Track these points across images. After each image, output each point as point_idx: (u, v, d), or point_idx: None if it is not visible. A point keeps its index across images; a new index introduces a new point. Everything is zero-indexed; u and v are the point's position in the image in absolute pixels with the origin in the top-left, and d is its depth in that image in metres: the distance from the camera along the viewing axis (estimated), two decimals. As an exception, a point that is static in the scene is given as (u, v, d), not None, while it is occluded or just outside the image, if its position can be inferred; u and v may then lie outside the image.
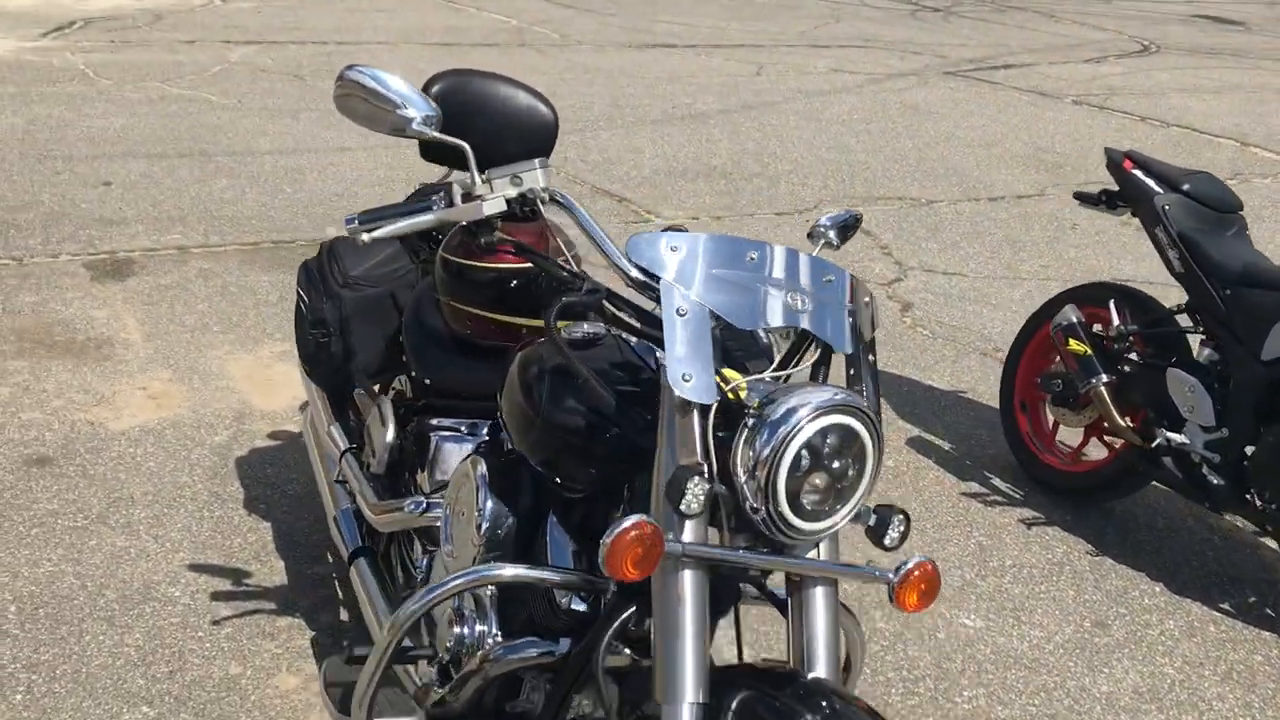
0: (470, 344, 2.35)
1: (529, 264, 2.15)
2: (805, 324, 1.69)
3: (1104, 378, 3.19)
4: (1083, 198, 3.55)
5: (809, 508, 1.56)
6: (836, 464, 1.58)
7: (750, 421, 1.56)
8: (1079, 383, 3.24)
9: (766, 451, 1.53)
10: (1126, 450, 3.25)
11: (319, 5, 11.34)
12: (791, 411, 1.54)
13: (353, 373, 2.66)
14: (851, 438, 1.58)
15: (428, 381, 2.42)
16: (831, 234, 2.05)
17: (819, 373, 1.73)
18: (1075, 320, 3.30)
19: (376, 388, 2.68)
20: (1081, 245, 6.14)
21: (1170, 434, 3.03)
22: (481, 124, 2.69)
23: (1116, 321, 3.28)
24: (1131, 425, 3.20)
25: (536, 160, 1.93)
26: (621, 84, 9.07)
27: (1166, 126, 8.98)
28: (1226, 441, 2.95)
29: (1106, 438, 3.43)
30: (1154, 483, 3.35)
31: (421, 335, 2.45)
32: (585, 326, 1.89)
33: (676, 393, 1.58)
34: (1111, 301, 3.31)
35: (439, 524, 2.15)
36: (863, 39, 11.86)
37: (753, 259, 1.70)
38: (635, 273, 1.71)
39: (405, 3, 11.80)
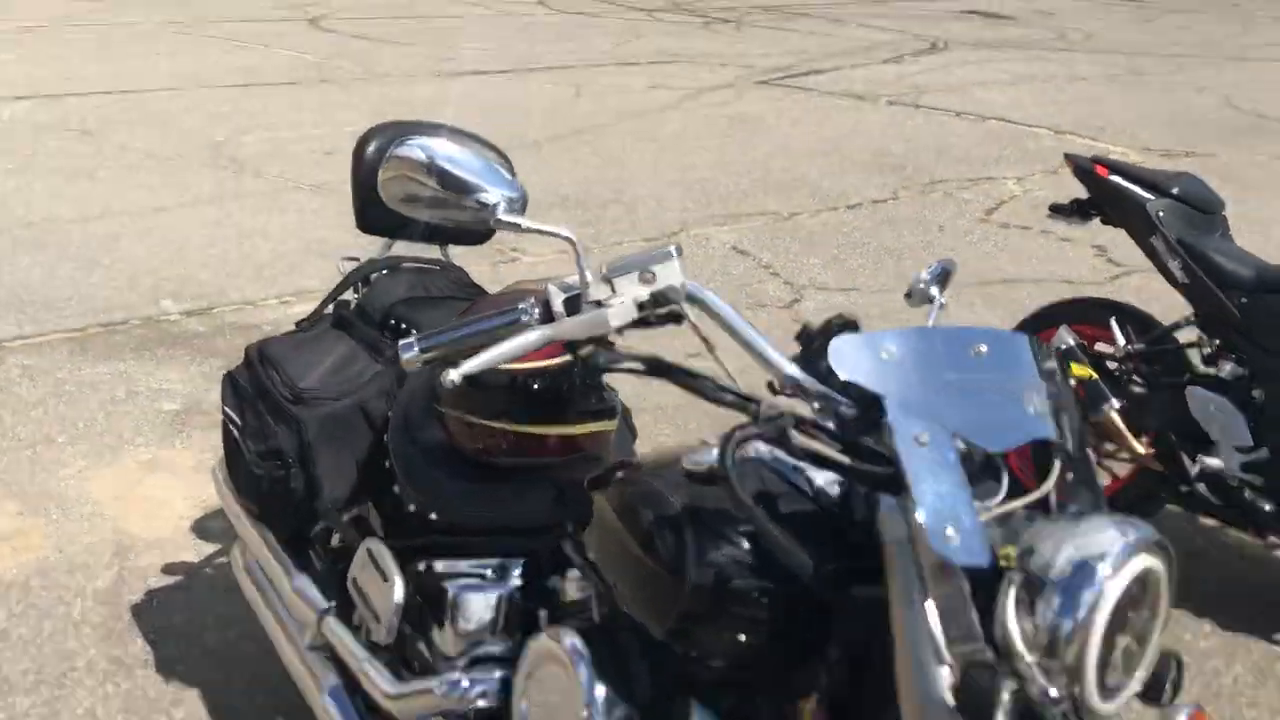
0: (487, 466, 1.88)
1: (555, 360, 1.72)
2: (1049, 431, 1.33)
3: (1115, 403, 2.95)
4: (1056, 209, 3.33)
5: (1111, 684, 1.21)
6: (1138, 620, 1.23)
7: (1019, 579, 1.20)
8: (1088, 409, 3.00)
9: (1069, 623, 1.17)
10: (1141, 475, 3.04)
11: (86, 51, 10.27)
12: (1087, 566, 1.19)
13: (320, 510, 2.12)
14: (1153, 582, 1.24)
15: (433, 516, 1.93)
16: (935, 290, 1.74)
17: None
18: (1074, 343, 3.06)
19: (347, 517, 2.16)
20: (956, 248, 6.04)
21: (1205, 458, 2.83)
22: None
23: (1121, 340, 3.07)
24: (1150, 450, 2.99)
25: (671, 247, 1.47)
26: (442, 115, 8.49)
27: (983, 120, 9.13)
28: (1269, 462, 2.76)
29: (1106, 462, 3.22)
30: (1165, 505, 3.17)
31: (421, 459, 1.96)
32: (713, 455, 1.47)
33: (938, 552, 1.18)
34: (1113, 319, 3.10)
35: (482, 704, 1.69)
36: (667, 54, 11.68)
37: (980, 353, 1.32)
38: (812, 386, 1.32)
39: (182, 44, 10.85)
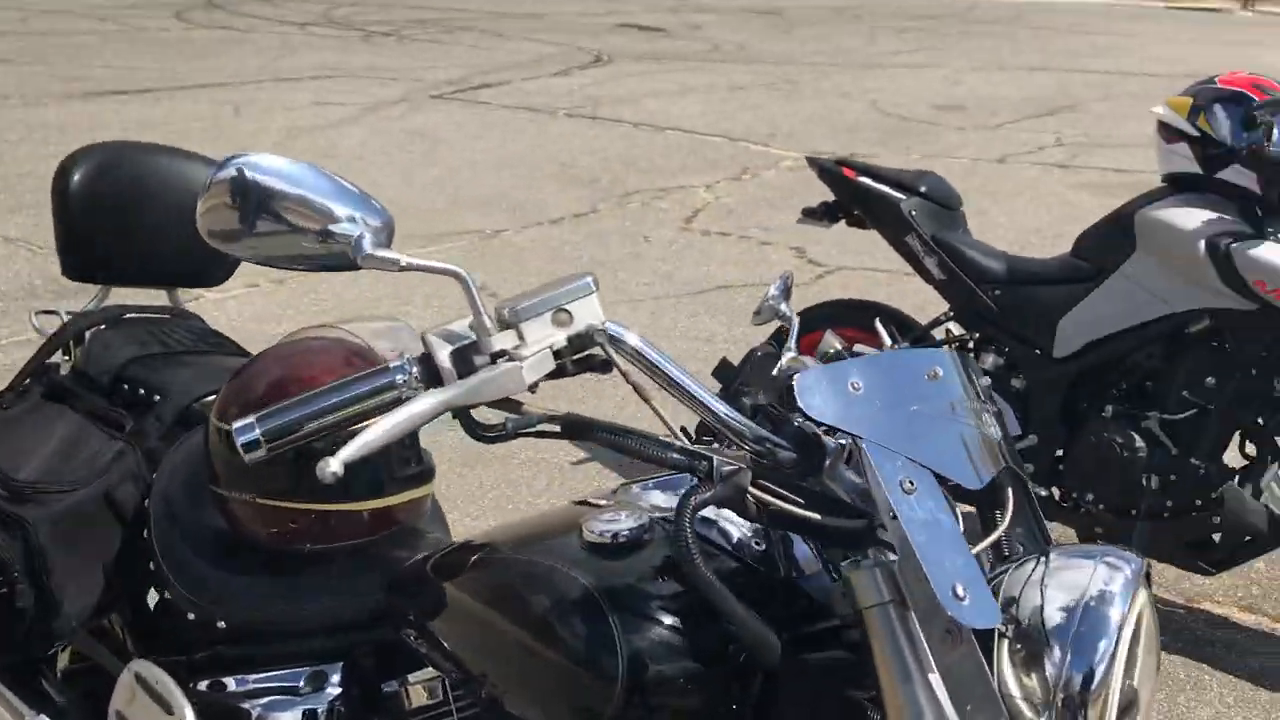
0: (284, 554, 1.56)
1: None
2: (1011, 459, 1.19)
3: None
4: (808, 213, 3.30)
5: None
6: (1134, 659, 1.11)
7: (1011, 634, 1.06)
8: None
9: (1081, 677, 1.04)
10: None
11: None
12: (1092, 611, 1.06)
13: (58, 631, 1.68)
14: (1149, 616, 1.13)
15: (221, 624, 1.57)
16: (784, 306, 1.61)
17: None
18: (840, 347, 3.03)
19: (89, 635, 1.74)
20: (666, 257, 6.04)
21: None
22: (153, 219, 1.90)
23: (887, 340, 3.04)
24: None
25: (588, 278, 1.19)
26: (87, 139, 7.65)
27: (661, 130, 9.27)
28: (1036, 449, 2.82)
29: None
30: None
31: (197, 555, 1.60)
32: (620, 519, 1.24)
33: (953, 615, 1.00)
34: (877, 320, 3.08)
35: None
36: (328, 68, 11.12)
37: (936, 377, 1.16)
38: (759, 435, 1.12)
39: None
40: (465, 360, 1.14)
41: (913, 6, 19.01)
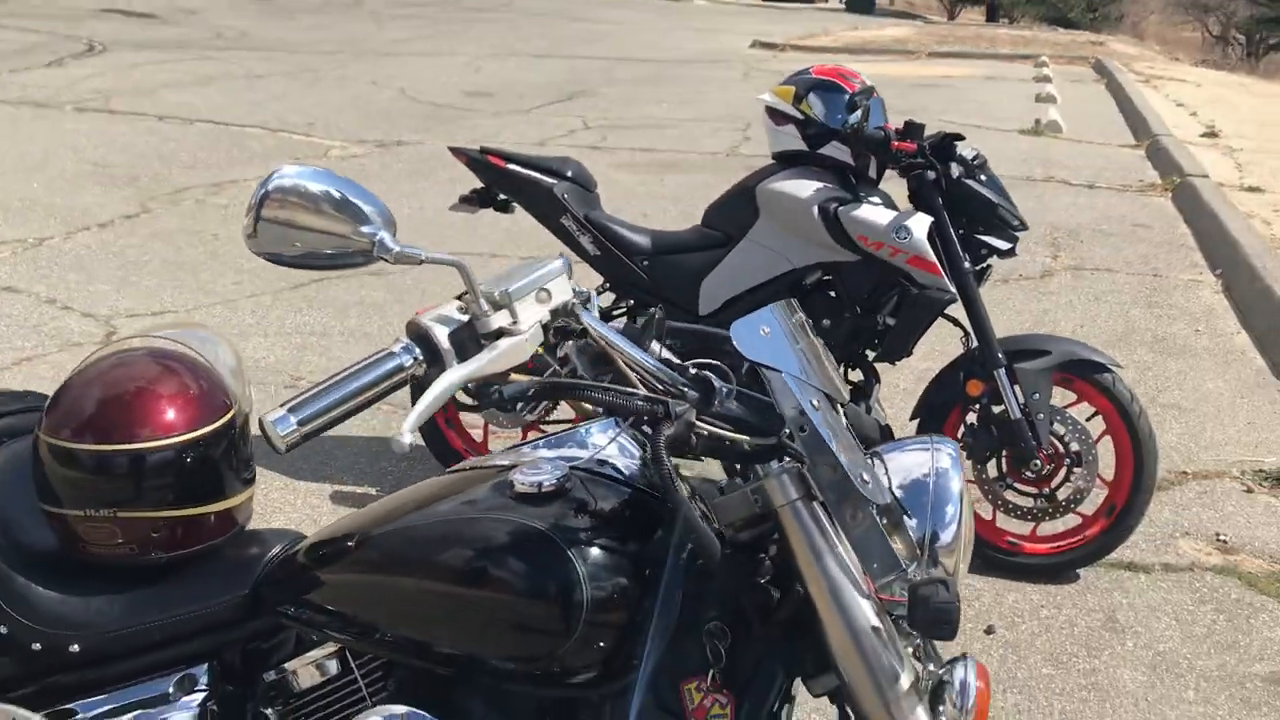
0: (133, 568, 1.57)
1: (209, 427, 1.50)
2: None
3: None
4: (465, 199, 3.44)
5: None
6: None
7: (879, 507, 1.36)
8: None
9: (941, 534, 1.40)
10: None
11: None
12: (939, 484, 1.41)
13: None
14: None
15: (75, 648, 1.53)
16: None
17: None
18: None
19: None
20: (248, 255, 5.84)
21: None
22: None
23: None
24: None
25: (559, 260, 1.32)
26: None
27: (191, 123, 8.82)
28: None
29: (548, 425, 3.47)
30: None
31: (40, 582, 1.54)
32: (543, 470, 1.41)
33: (868, 498, 1.29)
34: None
35: None
36: None
37: (800, 321, 1.43)
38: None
39: None
40: (461, 339, 1.26)
41: (399, -6, 19.13)
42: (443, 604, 1.39)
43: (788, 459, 1.33)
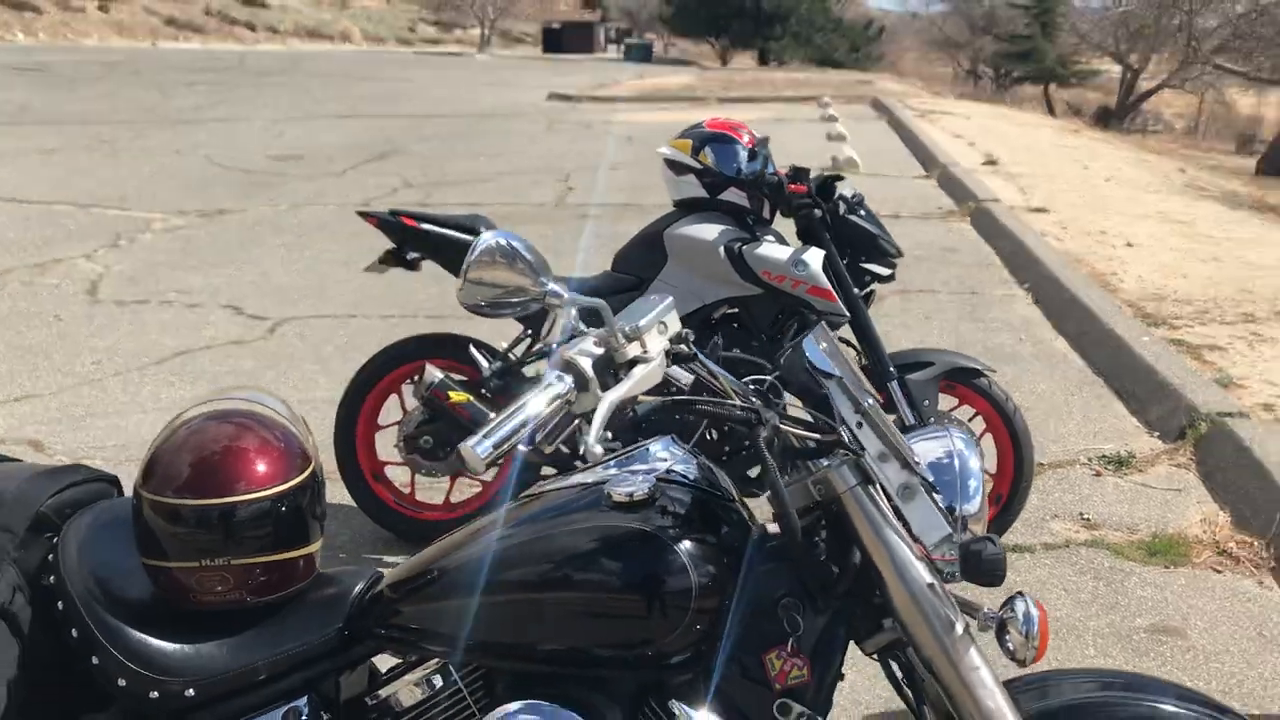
0: (230, 614, 1.68)
1: (294, 480, 1.67)
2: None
3: (492, 416, 3.35)
4: (384, 260, 3.55)
5: None
6: None
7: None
8: (473, 428, 3.34)
9: (967, 506, 1.65)
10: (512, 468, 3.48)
11: None
12: (965, 464, 1.67)
13: None
14: None
15: (190, 693, 1.63)
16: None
17: None
18: (442, 376, 3.38)
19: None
20: (98, 333, 5.70)
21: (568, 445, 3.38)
22: None
23: (484, 364, 3.44)
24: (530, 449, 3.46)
25: (670, 297, 1.51)
26: None
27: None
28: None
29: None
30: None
31: (154, 635, 1.64)
32: (634, 481, 1.61)
33: (918, 477, 1.55)
34: (471, 347, 3.45)
35: None
36: None
37: (833, 335, 1.68)
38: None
39: None
40: (601, 368, 1.45)
41: (181, 62, 18.75)
42: (555, 608, 1.55)
43: (844, 452, 1.57)
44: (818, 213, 3.38)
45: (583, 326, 1.56)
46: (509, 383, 3.44)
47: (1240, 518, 3.75)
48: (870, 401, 1.57)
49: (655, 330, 1.55)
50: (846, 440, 1.57)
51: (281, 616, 1.68)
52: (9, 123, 12.48)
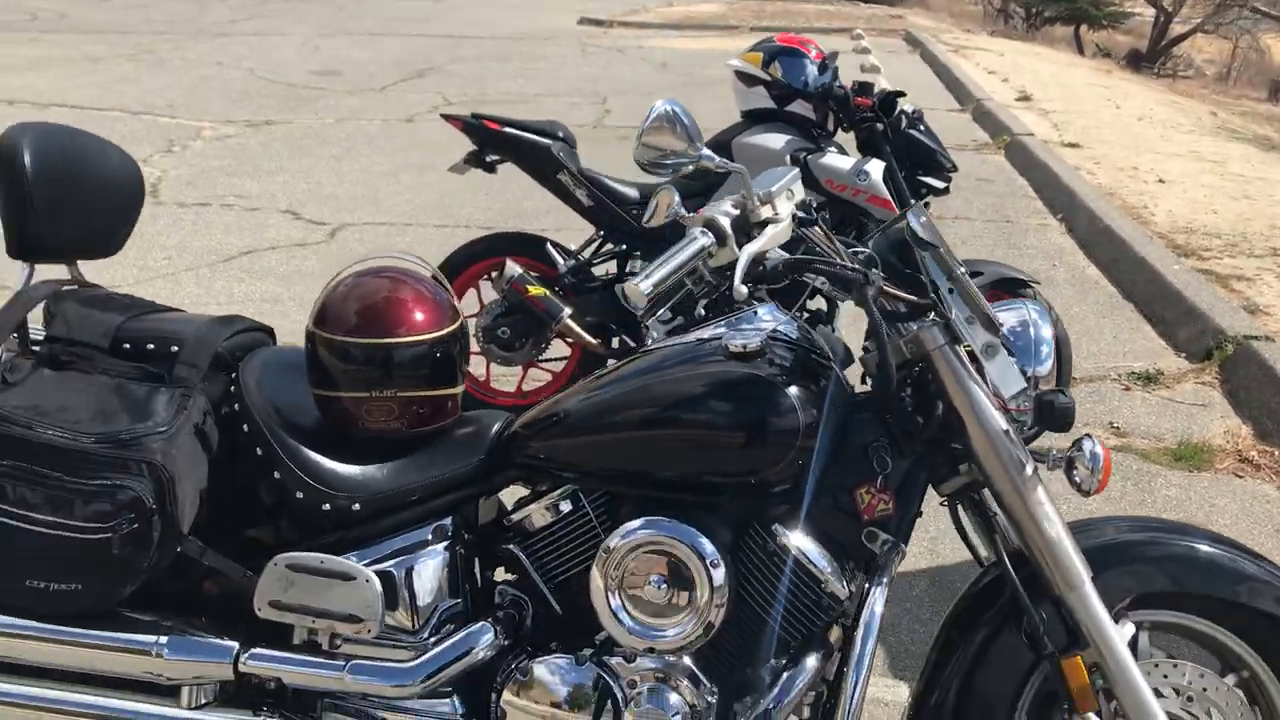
0: (391, 442, 1.92)
1: (449, 328, 1.90)
2: None
3: (567, 310, 3.58)
4: (467, 161, 3.76)
5: None
6: None
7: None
8: (549, 320, 3.57)
9: (1038, 367, 1.87)
10: (583, 357, 3.71)
11: None
12: (1037, 329, 1.90)
13: (186, 552, 1.83)
14: None
15: (356, 507, 1.88)
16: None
17: None
18: (521, 270, 3.60)
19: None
20: (165, 232, 5.94)
21: (631, 337, 3.62)
22: (84, 189, 2.11)
23: (560, 261, 3.68)
24: (600, 340, 3.70)
25: (795, 168, 1.75)
26: None
27: (45, 108, 8.65)
28: (684, 327, 3.64)
29: (543, 364, 3.85)
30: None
31: (325, 456, 1.89)
32: (747, 336, 1.83)
33: (1000, 336, 1.77)
34: (549, 245, 3.68)
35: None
36: None
37: (930, 211, 1.90)
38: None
39: None
40: (738, 226, 1.69)
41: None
42: (676, 441, 1.78)
43: (934, 315, 1.79)
44: (879, 126, 3.58)
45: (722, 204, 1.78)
46: (581, 280, 3.67)
47: (1262, 431, 3.98)
48: (961, 270, 1.79)
49: (784, 195, 1.78)
50: (938, 303, 1.79)
51: (432, 447, 1.92)
52: (51, 30, 12.60)
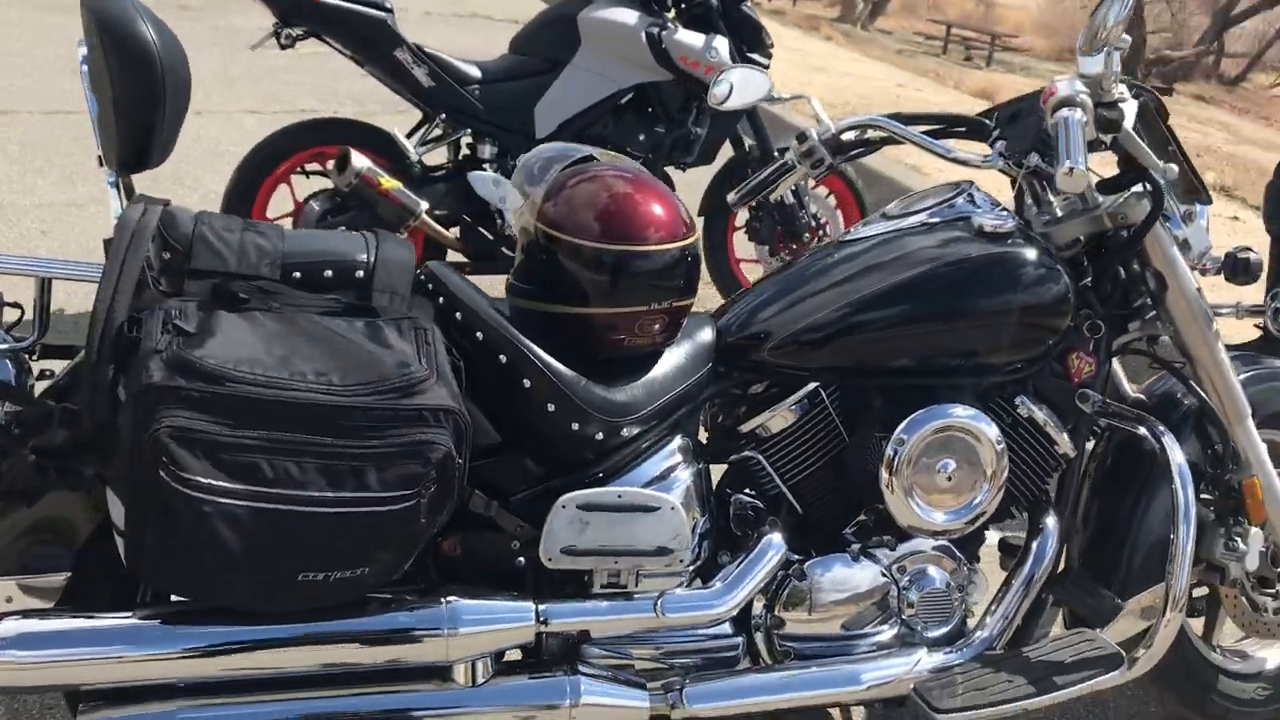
0: (634, 360, 1.78)
1: (690, 238, 1.78)
2: None
3: (424, 204, 3.21)
4: (271, 36, 3.21)
5: None
6: None
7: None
8: (407, 216, 3.19)
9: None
10: (421, 258, 3.39)
11: None
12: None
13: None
14: None
15: (625, 431, 1.74)
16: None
17: None
18: (369, 163, 3.16)
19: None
20: None
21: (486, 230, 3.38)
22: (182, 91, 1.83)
23: (411, 151, 3.29)
24: (459, 236, 3.38)
25: None
26: None
27: None
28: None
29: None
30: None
31: (596, 381, 1.70)
32: (998, 216, 1.86)
33: (1197, 204, 1.94)
34: (395, 132, 3.26)
35: None
36: None
37: None
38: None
39: None
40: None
41: None
42: (966, 326, 1.77)
43: (1144, 184, 1.87)
44: (714, 2, 3.55)
45: None
46: (424, 171, 3.38)
47: None
48: (1172, 146, 1.90)
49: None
50: (1148, 178, 1.86)
51: (670, 358, 1.77)
52: None
